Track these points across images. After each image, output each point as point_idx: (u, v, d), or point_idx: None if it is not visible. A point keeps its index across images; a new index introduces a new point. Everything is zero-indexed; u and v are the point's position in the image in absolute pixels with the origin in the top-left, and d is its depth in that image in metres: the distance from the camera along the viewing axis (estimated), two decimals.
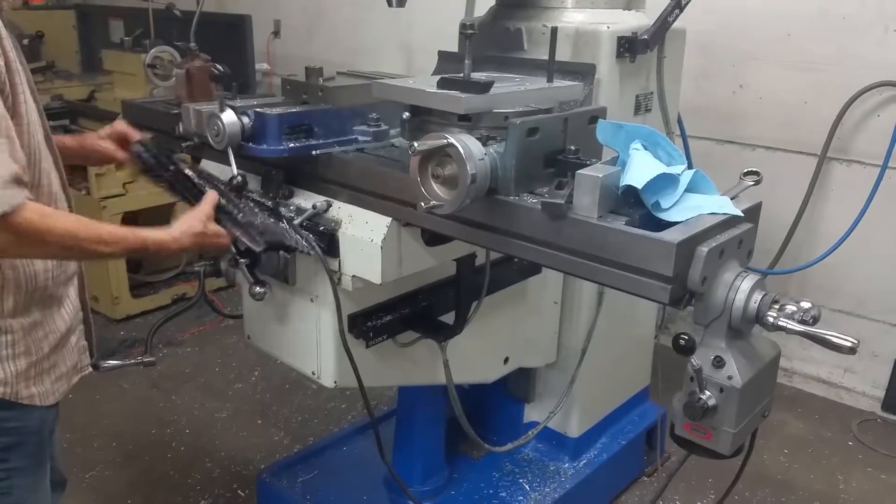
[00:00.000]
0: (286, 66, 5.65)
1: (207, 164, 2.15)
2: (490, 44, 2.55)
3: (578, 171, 1.42)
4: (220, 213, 1.82)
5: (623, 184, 1.42)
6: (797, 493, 3.17)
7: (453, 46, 2.54)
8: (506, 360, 2.56)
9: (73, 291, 1.75)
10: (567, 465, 2.91)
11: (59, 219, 1.52)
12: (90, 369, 1.86)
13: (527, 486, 2.79)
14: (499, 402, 2.96)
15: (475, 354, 2.39)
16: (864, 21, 3.46)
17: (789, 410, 3.76)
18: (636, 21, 2.54)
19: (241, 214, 1.83)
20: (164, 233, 1.70)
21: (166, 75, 3.89)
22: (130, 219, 4.45)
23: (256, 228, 1.82)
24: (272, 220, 1.83)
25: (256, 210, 1.85)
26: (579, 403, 2.86)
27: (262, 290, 1.90)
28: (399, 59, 5.02)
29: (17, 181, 1.41)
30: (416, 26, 4.85)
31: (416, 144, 1.45)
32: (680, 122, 3.01)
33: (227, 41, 4.02)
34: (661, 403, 3.21)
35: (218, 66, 1.79)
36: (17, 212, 1.39)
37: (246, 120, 1.82)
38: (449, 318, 2.15)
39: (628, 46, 2.45)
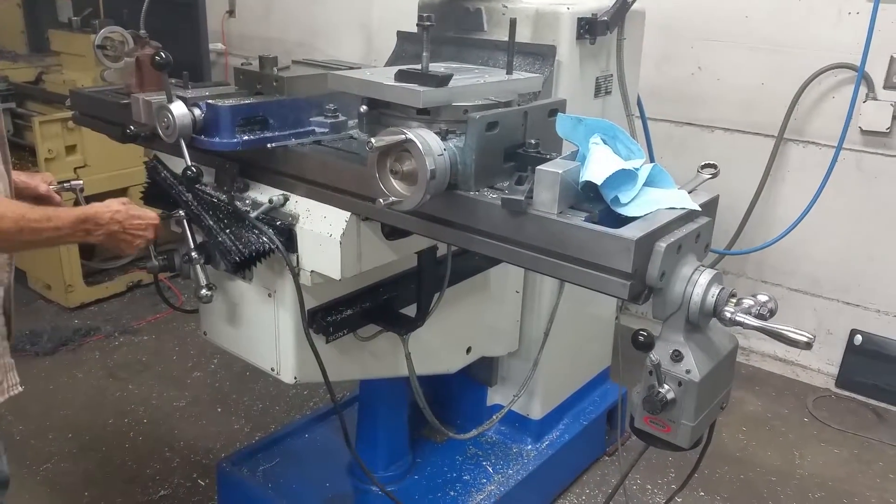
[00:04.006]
0: (242, 46, 5.53)
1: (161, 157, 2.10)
2: (450, 24, 2.52)
3: (538, 167, 1.40)
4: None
5: (583, 179, 1.41)
6: (755, 470, 3.24)
7: (413, 25, 2.51)
8: (468, 350, 2.56)
9: None
10: (530, 446, 2.93)
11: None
12: (19, 389, 1.83)
13: (490, 469, 2.80)
14: (462, 385, 2.96)
15: (437, 346, 2.38)
16: (820, 4, 3.49)
17: (747, 389, 3.83)
18: (596, 2, 2.53)
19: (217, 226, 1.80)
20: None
21: (117, 56, 3.77)
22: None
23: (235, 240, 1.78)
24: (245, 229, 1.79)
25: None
26: (542, 386, 2.88)
27: (209, 293, 1.86)
28: (358, 39, 4.94)
29: None
30: (376, 4, 4.77)
31: (373, 141, 1.41)
32: (640, 104, 3.01)
33: (179, 22, 3.90)
34: (623, 383, 3.24)
35: (161, 52, 1.71)
36: None
37: (197, 112, 1.76)
38: (410, 310, 2.13)
39: (588, 28, 2.44)
